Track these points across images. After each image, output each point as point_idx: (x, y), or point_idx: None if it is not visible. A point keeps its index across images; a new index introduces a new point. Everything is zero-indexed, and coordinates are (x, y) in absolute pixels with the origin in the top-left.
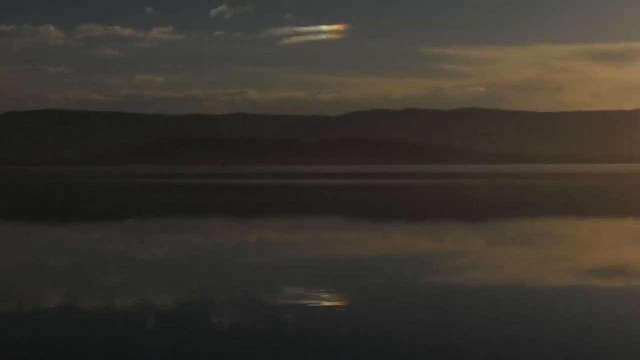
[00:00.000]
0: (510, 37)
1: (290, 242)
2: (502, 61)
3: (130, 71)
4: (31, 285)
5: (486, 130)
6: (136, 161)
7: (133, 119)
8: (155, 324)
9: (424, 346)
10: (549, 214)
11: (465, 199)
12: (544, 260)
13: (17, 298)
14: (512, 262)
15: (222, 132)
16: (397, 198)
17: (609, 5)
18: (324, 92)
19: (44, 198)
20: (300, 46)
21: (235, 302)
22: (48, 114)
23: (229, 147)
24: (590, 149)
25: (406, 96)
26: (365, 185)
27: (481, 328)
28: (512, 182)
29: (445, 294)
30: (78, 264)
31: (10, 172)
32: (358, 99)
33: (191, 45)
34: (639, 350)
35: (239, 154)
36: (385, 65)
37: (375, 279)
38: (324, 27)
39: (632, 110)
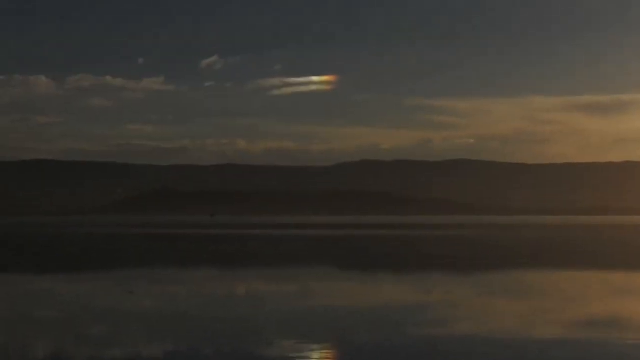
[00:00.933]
0: (498, 89)
1: (279, 293)
2: (491, 113)
3: (120, 121)
4: (18, 336)
5: (475, 181)
6: (125, 211)
7: (122, 169)
8: None
9: None
10: (537, 266)
11: (452, 250)
12: (530, 312)
13: (2, 351)
14: (500, 314)
15: (212, 183)
16: (387, 249)
17: (595, 58)
18: (313, 142)
19: (32, 249)
20: (290, 97)
21: (224, 355)
22: (37, 164)
23: (218, 198)
24: (579, 201)
25: (396, 147)
26: (357, 235)
27: None
28: (501, 233)
29: (434, 346)
30: (64, 315)
31: None
32: (348, 150)
33: (181, 96)
34: None
35: (228, 205)
36: (374, 117)
37: (363, 330)
38: (314, 78)
39: (620, 162)
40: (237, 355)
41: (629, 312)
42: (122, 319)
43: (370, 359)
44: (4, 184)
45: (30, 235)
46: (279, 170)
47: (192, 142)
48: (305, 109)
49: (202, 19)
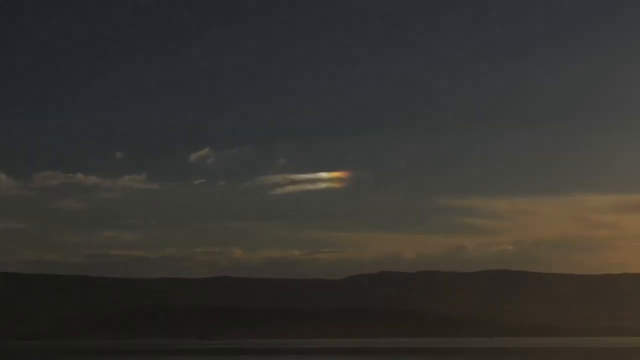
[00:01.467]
0: (543, 186)
1: None
2: (534, 214)
3: (94, 227)
4: None
5: (516, 296)
6: (100, 334)
7: (97, 283)
8: None
9: None
10: None
11: None
12: None
13: None
14: None
15: (202, 299)
16: None
17: None
18: (322, 251)
19: None
20: (295, 196)
21: None
22: None
23: (210, 316)
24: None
25: (420, 256)
26: None
27: None
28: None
29: None
30: None
31: None
32: (363, 260)
33: (167, 196)
34: None
35: (221, 325)
36: (395, 220)
37: None
38: (323, 175)
39: None
40: None
41: None
42: None
43: None
44: None
45: None
46: (282, 284)
47: (179, 251)
48: (313, 211)
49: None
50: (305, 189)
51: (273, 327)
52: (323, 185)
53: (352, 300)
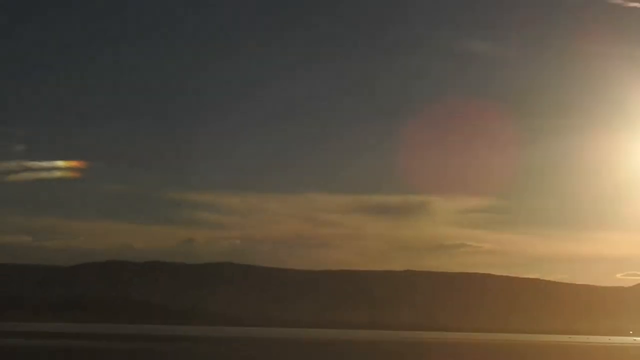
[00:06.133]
0: (273, 184)
1: None
2: (264, 211)
3: None
4: None
5: (239, 289)
6: None
7: None
8: None
9: None
10: None
11: None
12: None
13: None
14: None
15: None
16: None
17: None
18: (53, 238)
19: None
20: (31, 184)
21: None
22: None
23: None
24: (348, 313)
25: (150, 247)
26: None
27: None
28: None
29: None
30: None
31: None
32: (92, 249)
33: None
34: None
35: None
36: (128, 211)
37: None
38: (60, 163)
39: (401, 270)
40: None
41: None
42: None
43: None
44: None
45: None
46: (9, 268)
47: None
48: (47, 199)
49: None
50: (40, 177)
51: None
52: (59, 174)
53: (79, 289)
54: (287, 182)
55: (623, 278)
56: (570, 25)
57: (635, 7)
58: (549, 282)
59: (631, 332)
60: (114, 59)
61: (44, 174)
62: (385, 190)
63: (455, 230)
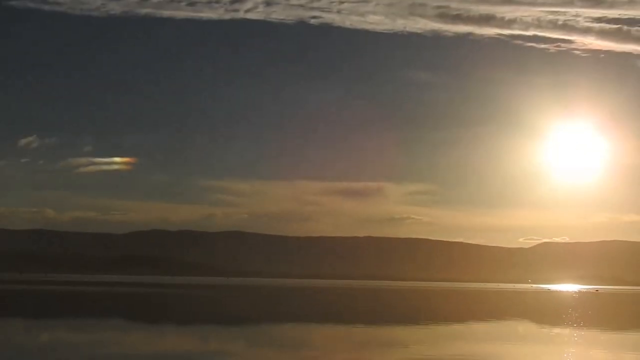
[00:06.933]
0: (273, 173)
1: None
2: (265, 194)
3: None
4: None
5: (247, 250)
6: None
7: None
8: None
9: None
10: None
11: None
12: None
13: None
14: None
15: (22, 246)
16: (165, 303)
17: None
18: (112, 213)
19: None
20: (96, 174)
21: None
22: None
23: (28, 259)
24: (326, 268)
25: (182, 220)
26: (139, 293)
27: None
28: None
29: None
30: None
31: None
32: (141, 221)
33: None
34: None
35: (37, 265)
36: (167, 194)
37: None
38: (117, 159)
39: (363, 236)
40: None
41: None
42: None
43: None
44: None
45: None
46: (83, 236)
47: (6, 210)
48: (107, 186)
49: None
50: (102, 169)
51: (76, 267)
52: (116, 167)
53: (133, 250)
54: (282, 171)
55: (524, 241)
56: (483, 59)
57: (532, 47)
58: (470, 244)
59: (530, 280)
60: (164, 85)
61: (105, 167)
62: (352, 178)
63: (403, 208)
